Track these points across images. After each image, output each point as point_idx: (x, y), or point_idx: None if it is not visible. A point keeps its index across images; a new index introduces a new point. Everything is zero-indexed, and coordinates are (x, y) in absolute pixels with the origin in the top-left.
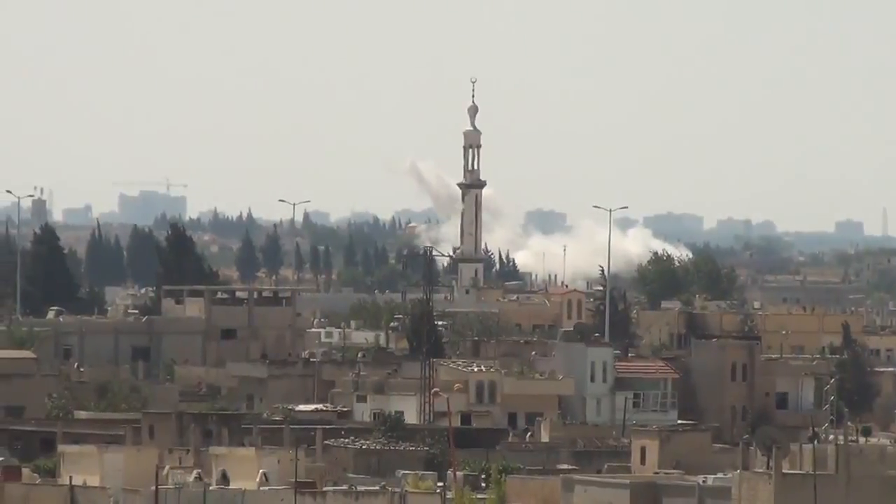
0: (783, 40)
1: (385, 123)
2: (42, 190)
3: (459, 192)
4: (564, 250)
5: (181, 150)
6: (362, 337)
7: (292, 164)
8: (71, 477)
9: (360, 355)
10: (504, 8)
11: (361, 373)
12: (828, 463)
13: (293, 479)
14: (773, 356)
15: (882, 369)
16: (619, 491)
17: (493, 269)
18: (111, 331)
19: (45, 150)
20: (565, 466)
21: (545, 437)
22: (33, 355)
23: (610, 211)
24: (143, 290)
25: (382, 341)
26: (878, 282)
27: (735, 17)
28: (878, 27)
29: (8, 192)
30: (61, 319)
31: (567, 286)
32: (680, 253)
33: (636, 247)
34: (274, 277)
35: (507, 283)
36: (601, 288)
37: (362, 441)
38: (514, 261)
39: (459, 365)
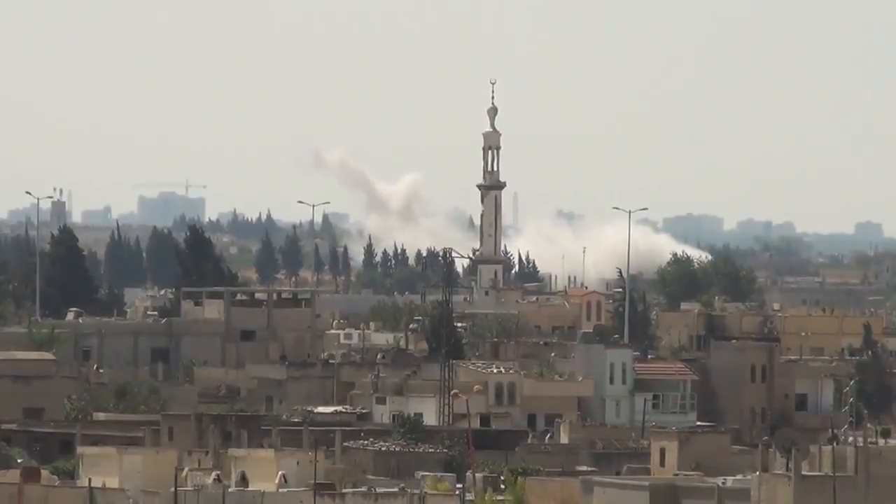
0: (803, 39)
1: (400, 126)
2: (61, 191)
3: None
4: (584, 251)
5: (200, 152)
6: (381, 338)
7: (312, 165)
8: (90, 479)
9: (379, 357)
10: (522, 9)
11: (381, 374)
12: (847, 465)
13: (312, 481)
14: (792, 358)
15: None
16: (638, 492)
17: (513, 271)
18: (130, 332)
19: (65, 152)
20: (585, 468)
21: (564, 439)
22: (52, 357)
23: (629, 212)
24: (162, 292)
25: (402, 343)
26: None
27: (756, 16)
28: None
29: (27, 193)
30: (80, 321)
31: (587, 287)
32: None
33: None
34: (293, 279)
35: (526, 285)
36: (620, 290)
37: (381, 443)
38: (534, 262)
39: (479, 366)
